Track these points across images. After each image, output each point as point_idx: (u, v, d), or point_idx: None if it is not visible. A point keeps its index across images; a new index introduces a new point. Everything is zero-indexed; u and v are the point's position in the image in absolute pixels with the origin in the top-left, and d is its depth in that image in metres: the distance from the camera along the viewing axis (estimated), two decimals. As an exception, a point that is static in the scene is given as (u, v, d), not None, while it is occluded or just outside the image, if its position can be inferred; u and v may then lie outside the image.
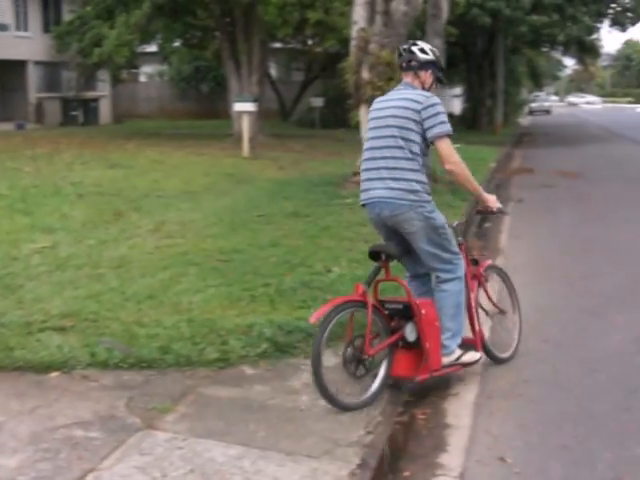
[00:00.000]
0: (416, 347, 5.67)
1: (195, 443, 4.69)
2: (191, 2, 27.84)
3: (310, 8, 24.00)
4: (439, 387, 6.00)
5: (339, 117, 31.92)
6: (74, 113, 39.90)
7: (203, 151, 22.96)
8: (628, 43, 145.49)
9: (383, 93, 13.96)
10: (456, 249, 5.91)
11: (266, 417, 5.07)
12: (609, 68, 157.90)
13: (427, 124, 5.60)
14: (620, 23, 39.17)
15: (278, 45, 39.38)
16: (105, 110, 42.74)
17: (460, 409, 5.61)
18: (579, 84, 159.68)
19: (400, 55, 5.93)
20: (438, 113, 5.61)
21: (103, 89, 42.35)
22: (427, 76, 5.87)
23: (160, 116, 48.55)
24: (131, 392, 5.41)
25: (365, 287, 5.59)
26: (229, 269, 8.49)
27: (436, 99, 5.69)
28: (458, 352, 5.87)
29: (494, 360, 6.37)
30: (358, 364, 5.45)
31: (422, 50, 5.82)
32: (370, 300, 5.52)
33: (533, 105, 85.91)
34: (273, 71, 47.42)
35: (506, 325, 6.73)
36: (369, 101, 14.31)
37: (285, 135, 30.52)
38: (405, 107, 5.66)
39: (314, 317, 5.32)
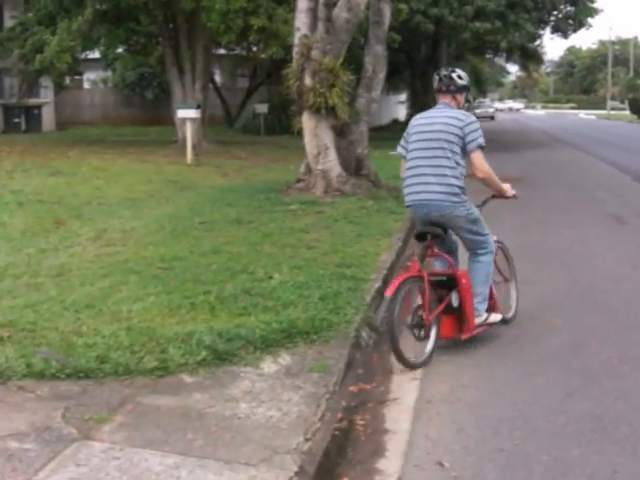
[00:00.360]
0: (455, 312, 6.93)
1: (132, 453, 4.64)
2: (134, 8, 27.59)
3: (253, 15, 23.96)
4: (378, 393, 6.03)
5: (284, 124, 31.95)
6: (16, 120, 39.40)
7: (146, 158, 22.83)
8: (571, 50, 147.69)
9: (325, 100, 14.30)
10: (487, 230, 7.27)
11: (204, 425, 5.03)
12: (552, 74, 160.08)
13: (468, 138, 6.82)
14: (562, 30, 39.73)
15: (222, 51, 39.32)
16: (48, 117, 42.25)
17: (399, 414, 5.62)
18: (523, 90, 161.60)
19: (440, 80, 7.17)
20: (477, 129, 6.88)
21: (46, 96, 41.84)
22: (461, 98, 7.21)
23: (104, 123, 48.21)
24: (68, 402, 5.33)
25: (420, 264, 6.81)
26: (170, 277, 8.44)
27: (474, 118, 7.04)
28: (485, 314, 7.16)
29: (502, 321, 7.47)
30: (421, 329, 6.60)
31: (459, 77, 7.15)
32: (425, 274, 6.71)
33: (477, 111, 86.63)
34: (218, 77, 47.33)
35: (507, 290, 7.89)
36: (312, 107, 14.41)
37: (230, 142, 30.48)
38: (451, 124, 6.87)
39: (390, 291, 6.44)
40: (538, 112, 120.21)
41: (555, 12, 38.34)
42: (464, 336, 6.96)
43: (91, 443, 4.77)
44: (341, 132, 15.23)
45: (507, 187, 7.50)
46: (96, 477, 4.32)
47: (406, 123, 31.17)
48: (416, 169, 6.98)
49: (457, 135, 6.82)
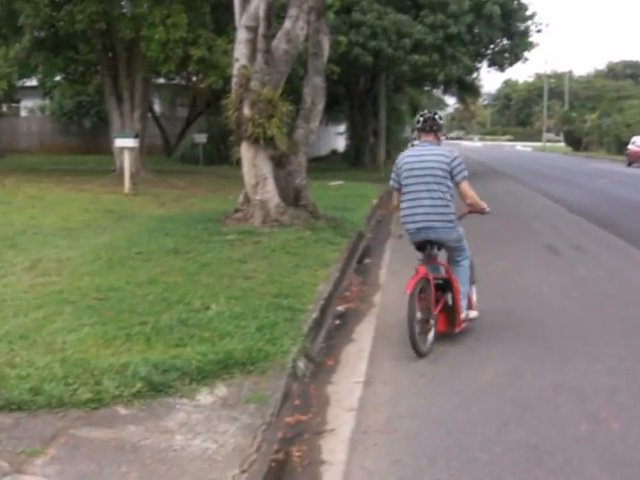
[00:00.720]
0: (448, 310, 8.28)
1: (64, 487, 4.59)
2: (72, 36, 27.40)
3: (193, 45, 23.96)
4: (315, 424, 6.02)
5: (222, 154, 31.89)
6: (-49, 148, 38.88)
7: (83, 187, 22.61)
8: (507, 83, 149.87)
9: (264, 130, 14.33)
10: (465, 240, 8.48)
11: (139, 458, 4.99)
12: (489, 107, 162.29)
13: (455, 171, 8.10)
14: (498, 63, 40.31)
15: (162, 81, 39.20)
16: (-16, 145, 41.76)
17: (335, 445, 5.62)
18: (460, 122, 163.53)
19: (425, 121, 8.38)
20: (461, 163, 8.18)
21: (-18, 123, 41.41)
22: (440, 135, 8.47)
23: (41, 151, 47.63)
24: (-1, 435, 5.26)
25: (426, 268, 8.09)
26: (105, 307, 8.34)
27: (457, 153, 8.37)
28: (466, 311, 8.45)
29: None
30: (428, 322, 7.90)
31: (440, 117, 8.50)
32: (431, 277, 8.05)
33: (415, 142, 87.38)
34: (157, 107, 47.08)
35: (471, 292, 8.79)
36: (250, 138, 14.43)
37: (168, 171, 30.33)
38: (440, 161, 8.13)
39: (408, 289, 7.77)
40: (475, 144, 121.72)
41: (492, 46, 38.88)
42: (457, 329, 8.31)
43: (23, 477, 4.71)
44: (279, 163, 15.24)
45: (484, 205, 8.47)
46: (27, 512, 4.25)
47: (345, 154, 31.85)
48: (415, 201, 8.19)
49: (446, 170, 8.09)
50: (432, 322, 7.98)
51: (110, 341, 7.14)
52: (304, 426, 5.96)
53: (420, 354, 7.65)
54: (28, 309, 8.29)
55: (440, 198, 8.06)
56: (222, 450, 5.13)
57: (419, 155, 8.31)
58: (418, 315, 7.72)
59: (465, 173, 8.16)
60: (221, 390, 6.17)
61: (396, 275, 12.12)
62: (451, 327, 8.32)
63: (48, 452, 5.04)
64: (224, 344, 7.02)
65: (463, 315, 8.37)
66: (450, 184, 8.13)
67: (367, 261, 13.58)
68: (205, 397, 6.04)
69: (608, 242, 15.66)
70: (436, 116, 8.46)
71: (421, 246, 8.39)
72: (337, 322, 9.27)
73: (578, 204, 23.21)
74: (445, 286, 8.30)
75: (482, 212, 8.50)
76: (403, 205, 8.39)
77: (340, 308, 9.91)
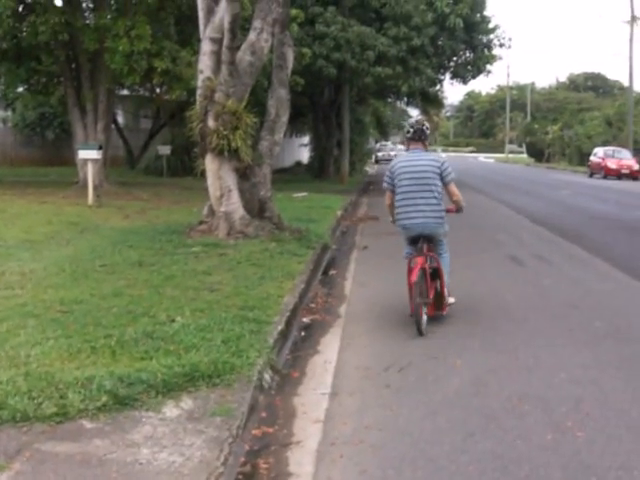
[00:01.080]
0: (436, 295, 9.46)
1: (29, 502, 4.55)
2: (35, 47, 27.18)
3: (157, 57, 23.87)
4: (282, 436, 6.02)
5: (187, 165, 31.87)
6: None
7: (46, 199, 22.44)
8: (470, 94, 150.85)
9: (229, 142, 14.31)
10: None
11: (105, 472, 4.95)
12: (453, 118, 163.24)
13: (445, 174, 9.45)
14: (461, 76, 40.55)
15: (126, 92, 39.06)
16: (-56, 157, 41.31)
17: (302, 457, 5.63)
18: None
19: (415, 131, 9.65)
20: (449, 167, 9.55)
21: (-58, 135, 40.97)
22: (427, 143, 9.78)
23: (3, 163, 47.15)
24: (-37, 451, 5.20)
25: (424, 259, 9.23)
26: (69, 320, 8.28)
27: (445, 158, 10.43)
28: (447, 297, 9.65)
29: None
30: (426, 305, 9.11)
31: (427, 128, 9.79)
32: (427, 266, 9.25)
33: (379, 154, 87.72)
34: (121, 118, 46.89)
35: None
36: (215, 150, 14.41)
37: (132, 183, 30.18)
38: (432, 165, 9.47)
39: (414, 277, 8.99)
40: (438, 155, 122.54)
41: (455, 58, 39.12)
42: (443, 312, 9.61)
43: (-13, 492, 4.65)
44: (244, 174, 15.24)
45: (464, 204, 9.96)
46: (-9, 528, 4.21)
47: (309, 166, 32.06)
48: (410, 200, 9.38)
49: (437, 173, 9.40)
50: (425, 306, 9.10)
51: (75, 354, 7.09)
52: (271, 438, 5.96)
53: (421, 334, 8.85)
54: (-9, 323, 8.21)
55: (434, 197, 9.33)
56: (188, 463, 5.11)
57: (412, 160, 9.57)
58: (418, 300, 8.91)
59: (453, 175, 9.62)
60: (187, 403, 6.15)
61: (361, 286, 12.17)
62: (438, 310, 9.54)
63: (13, 467, 4.99)
64: (190, 357, 6.99)
65: (446, 300, 9.61)
66: (440, 184, 9.42)
67: (332, 272, 13.60)
68: (171, 410, 6.02)
69: (571, 253, 15.82)
70: (424, 127, 9.74)
71: (414, 240, 9.50)
72: (303, 334, 9.29)
73: (540, 215, 23.42)
74: (434, 275, 9.40)
75: (460, 210, 9.92)
76: (399, 204, 9.53)
77: (306, 320, 9.92)
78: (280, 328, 8.56)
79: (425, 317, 9.07)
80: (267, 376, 7.22)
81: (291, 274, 11.58)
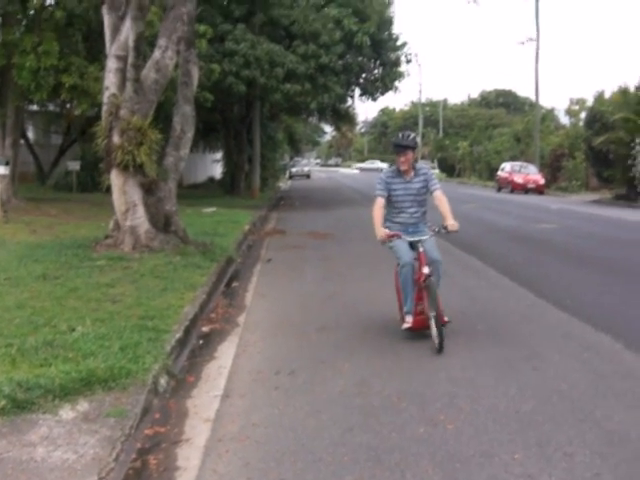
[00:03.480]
0: None
1: None
2: (-58, 63, 27.09)
3: (65, 73, 23.95)
4: (172, 434, 6.38)
5: (97, 181, 31.80)
6: None
7: (-48, 215, 22.32)
8: (384, 110, 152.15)
9: (134, 158, 14.60)
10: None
11: (1, 469, 5.25)
12: (367, 134, 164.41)
13: (431, 183, 9.62)
14: (370, 92, 41.11)
15: (36, 108, 38.83)
16: None
17: (190, 453, 6.00)
18: (338, 149, 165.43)
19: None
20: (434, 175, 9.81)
21: None
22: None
23: None
24: None
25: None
26: (-29, 331, 8.52)
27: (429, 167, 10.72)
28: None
29: None
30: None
31: (414, 138, 9.75)
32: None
33: (293, 170, 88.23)
34: (31, 134, 46.50)
35: None
36: (120, 165, 14.67)
37: (41, 199, 30.06)
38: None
39: (420, 277, 9.32)
40: (353, 171, 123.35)
41: (364, 75, 39.72)
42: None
43: None
44: (149, 189, 15.52)
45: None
46: None
47: (221, 181, 32.20)
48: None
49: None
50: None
51: (-25, 362, 7.35)
52: (162, 437, 6.31)
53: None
54: None
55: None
56: (82, 460, 5.43)
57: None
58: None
59: (439, 184, 9.76)
60: (83, 406, 6.47)
61: (262, 297, 12.56)
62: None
63: None
64: (87, 363, 7.31)
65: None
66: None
67: (235, 284, 13.96)
68: (67, 412, 6.33)
69: (467, 263, 16.43)
70: (410, 138, 9.65)
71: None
72: (201, 342, 9.63)
73: (443, 228, 24.02)
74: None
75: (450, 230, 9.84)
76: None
77: (205, 329, 10.26)
78: (178, 336, 8.91)
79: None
80: (163, 381, 7.56)
81: (193, 286, 11.92)
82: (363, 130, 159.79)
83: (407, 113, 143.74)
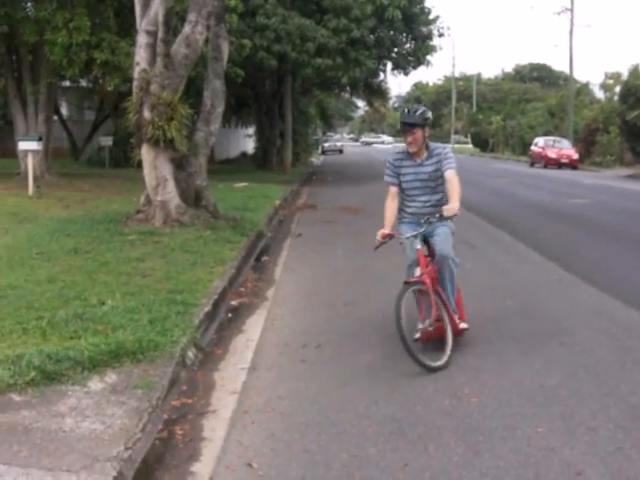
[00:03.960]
0: None
1: (-43, 465, 4.93)
2: (-26, 40, 27.32)
3: (96, 48, 24.03)
4: (199, 406, 6.47)
5: (128, 156, 32.00)
6: None
7: (-14, 190, 22.59)
8: (417, 85, 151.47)
9: (164, 133, 14.66)
10: None
11: (30, 438, 5.34)
12: (400, 109, 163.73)
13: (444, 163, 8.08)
14: (402, 67, 40.93)
15: (69, 84, 39.05)
16: None
17: (216, 424, 6.07)
18: (371, 124, 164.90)
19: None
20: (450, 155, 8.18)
21: None
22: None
23: (-55, 155, 46.95)
24: None
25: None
26: (3, 304, 8.61)
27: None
28: None
29: None
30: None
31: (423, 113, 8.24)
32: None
33: (326, 145, 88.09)
34: (65, 110, 46.81)
35: None
36: (150, 140, 14.74)
37: (74, 174, 30.31)
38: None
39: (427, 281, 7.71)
40: (387, 146, 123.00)
41: (395, 49, 39.52)
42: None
43: None
44: (180, 164, 15.60)
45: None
46: None
47: (253, 156, 32.01)
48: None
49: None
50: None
51: (6, 335, 7.46)
52: (189, 408, 6.39)
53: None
54: None
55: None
56: (109, 430, 5.51)
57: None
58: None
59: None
60: (111, 377, 6.55)
61: (291, 271, 12.62)
62: None
63: (-58, 435, 5.37)
64: (116, 336, 7.39)
65: None
66: None
67: (265, 259, 14.02)
68: (96, 384, 6.42)
69: (496, 238, 16.42)
70: (418, 113, 8.24)
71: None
72: (229, 315, 9.70)
73: (474, 203, 23.95)
74: None
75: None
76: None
77: (234, 302, 10.33)
78: (207, 310, 8.98)
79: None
80: (190, 353, 7.64)
81: (223, 260, 12.00)
82: (396, 105, 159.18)
83: (440, 87, 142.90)
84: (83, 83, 39.20)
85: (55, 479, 4.80)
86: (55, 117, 35.01)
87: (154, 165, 15.24)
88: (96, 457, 5.09)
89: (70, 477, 4.83)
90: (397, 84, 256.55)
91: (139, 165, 15.94)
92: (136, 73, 15.62)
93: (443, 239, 8.06)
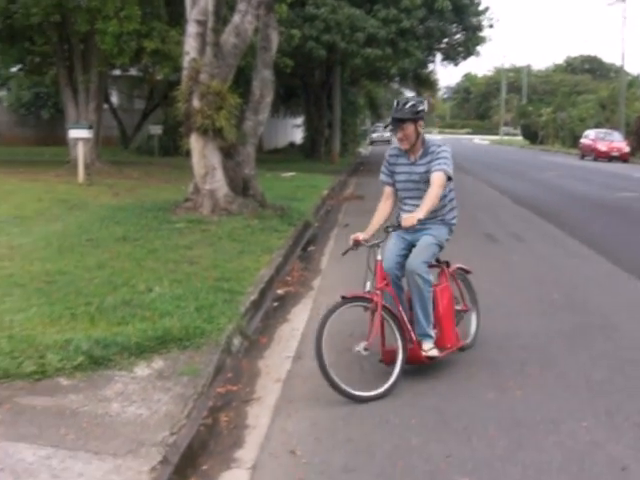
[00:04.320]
0: None
1: (7, 446, 5.01)
2: (28, 28, 27.51)
3: (147, 37, 24.22)
4: (244, 393, 6.51)
5: (177, 145, 32.20)
6: None
7: (38, 177, 22.83)
8: (467, 76, 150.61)
9: (213, 122, 14.73)
10: None
11: (77, 422, 5.42)
12: (449, 100, 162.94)
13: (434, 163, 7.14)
14: (451, 57, 40.79)
15: (119, 72, 39.36)
16: (-60, 136, 41.44)
17: (261, 411, 6.11)
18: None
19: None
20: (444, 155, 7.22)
21: (-61, 114, 41.10)
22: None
23: (-3, 143, 47.58)
24: (-53, 402, 5.68)
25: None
26: (53, 290, 8.75)
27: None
28: None
29: None
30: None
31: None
32: None
33: (374, 135, 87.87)
34: (115, 99, 47.18)
35: None
36: (199, 129, 14.83)
37: (124, 162, 30.56)
38: None
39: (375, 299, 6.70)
40: (434, 137, 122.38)
41: (445, 40, 39.35)
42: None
43: (-33, 437, 5.13)
44: (228, 153, 15.68)
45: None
46: (-30, 467, 4.69)
47: (301, 146, 31.95)
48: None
49: None
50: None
51: (56, 320, 7.57)
52: (233, 396, 6.44)
53: None
54: (-22, 292, 8.68)
55: None
56: (155, 416, 5.58)
57: None
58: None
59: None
60: (157, 363, 6.63)
61: (338, 262, 12.57)
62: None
63: (-7, 417, 5.47)
64: (163, 322, 7.47)
65: None
66: None
67: (311, 248, 14.05)
68: (142, 370, 6.50)
69: (545, 231, 16.29)
70: (407, 106, 7.17)
71: None
72: (275, 304, 9.74)
73: (523, 195, 23.88)
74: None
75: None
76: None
77: (280, 291, 10.37)
78: (253, 298, 9.04)
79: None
80: (236, 341, 7.70)
81: (270, 249, 12.05)
82: (445, 96, 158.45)
83: (490, 79, 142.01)
84: (133, 72, 39.48)
85: (101, 463, 4.86)
86: (105, 105, 35.26)
87: (203, 154, 15.34)
88: (142, 442, 5.16)
89: (116, 461, 4.89)
90: (446, 75, 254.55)
91: (188, 154, 16.04)
92: (186, 62, 15.71)
93: (418, 251, 7.07)
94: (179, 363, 6.65)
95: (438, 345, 6.98)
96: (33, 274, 9.59)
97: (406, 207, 7.36)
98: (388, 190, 7.57)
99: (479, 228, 16.50)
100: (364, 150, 67.18)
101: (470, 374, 6.96)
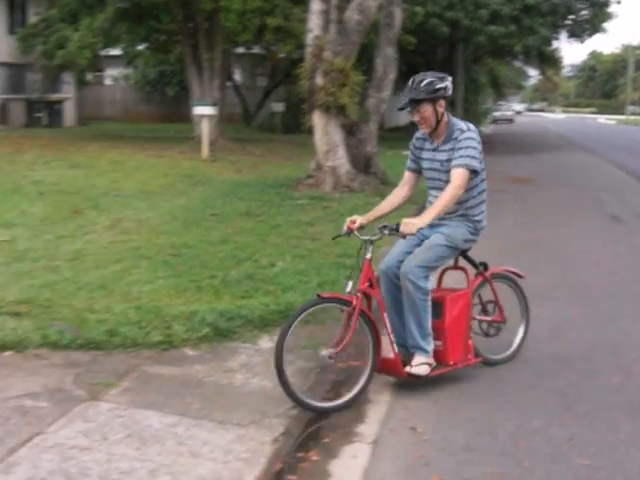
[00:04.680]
0: None
1: (135, 413, 5.16)
2: (155, 7, 28.12)
3: (270, 14, 24.42)
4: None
5: (299, 122, 32.44)
6: (38, 115, 39.75)
7: (163, 153, 23.34)
8: (593, 54, 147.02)
9: (336, 99, 14.77)
10: None
11: (202, 392, 5.55)
12: (574, 78, 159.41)
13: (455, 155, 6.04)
14: (577, 35, 39.80)
15: (242, 50, 39.78)
16: (69, 112, 42.67)
17: (382, 387, 6.10)
18: (543, 94, 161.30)
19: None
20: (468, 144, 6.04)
21: (68, 91, 42.24)
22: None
23: (124, 119, 48.74)
24: (79, 369, 5.86)
25: None
26: (179, 263, 8.96)
27: None
28: None
29: None
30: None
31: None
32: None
33: (496, 114, 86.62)
34: (238, 76, 47.76)
35: None
36: (322, 106, 14.88)
37: (246, 139, 30.95)
38: None
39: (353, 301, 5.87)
40: (558, 116, 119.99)
41: (570, 17, 38.43)
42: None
43: (98, 403, 5.30)
44: (350, 131, 15.72)
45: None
46: (102, 431, 4.84)
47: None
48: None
49: None
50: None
51: (181, 292, 7.76)
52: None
53: None
54: (108, 263, 8.96)
55: None
56: (278, 388, 5.61)
57: None
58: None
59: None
60: (281, 337, 6.70)
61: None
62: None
63: (121, 384, 5.64)
64: (286, 297, 7.58)
65: None
66: None
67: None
68: (266, 342, 6.60)
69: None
70: (422, 85, 5.96)
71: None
72: (397, 281, 9.69)
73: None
74: None
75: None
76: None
77: (400, 268, 10.30)
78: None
79: None
80: (358, 318, 7.70)
81: (391, 226, 12.00)
82: (570, 74, 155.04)
83: (617, 56, 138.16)
84: (256, 50, 39.86)
85: (225, 432, 4.95)
86: (228, 83, 35.75)
87: (325, 131, 15.40)
88: (265, 413, 5.24)
89: (240, 431, 4.97)
90: (571, 53, 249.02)
91: (310, 131, 16.14)
92: (309, 39, 15.78)
93: (417, 252, 6.10)
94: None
95: (438, 360, 6.12)
96: (159, 247, 9.84)
97: (430, 198, 6.36)
98: (408, 176, 6.50)
99: (603, 209, 16.15)
100: (486, 129, 66.28)
101: (594, 357, 6.81)
